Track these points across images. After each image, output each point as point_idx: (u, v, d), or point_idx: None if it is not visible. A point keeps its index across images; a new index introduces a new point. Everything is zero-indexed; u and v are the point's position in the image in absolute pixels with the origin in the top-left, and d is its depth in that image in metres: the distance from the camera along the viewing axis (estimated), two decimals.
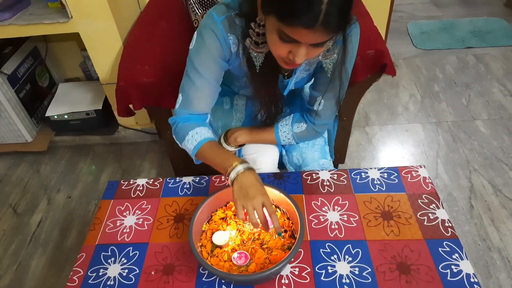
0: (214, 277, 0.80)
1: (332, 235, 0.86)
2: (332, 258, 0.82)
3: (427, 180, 0.97)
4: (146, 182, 1.04)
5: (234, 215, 0.89)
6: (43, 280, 1.46)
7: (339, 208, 0.92)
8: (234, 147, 1.09)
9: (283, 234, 0.81)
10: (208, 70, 0.88)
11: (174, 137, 0.95)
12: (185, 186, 1.01)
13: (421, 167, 1.01)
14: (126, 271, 0.83)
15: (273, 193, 0.88)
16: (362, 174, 1.00)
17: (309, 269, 0.80)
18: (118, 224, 0.94)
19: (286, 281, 0.78)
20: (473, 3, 3.08)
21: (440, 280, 0.76)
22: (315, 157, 1.10)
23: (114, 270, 0.84)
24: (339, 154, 1.61)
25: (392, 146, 1.89)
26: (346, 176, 1.00)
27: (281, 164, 1.17)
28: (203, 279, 0.80)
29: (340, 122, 1.41)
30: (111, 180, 1.06)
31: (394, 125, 2.01)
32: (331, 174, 1.01)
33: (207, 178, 1.03)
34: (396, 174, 0.99)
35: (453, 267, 0.78)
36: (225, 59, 0.89)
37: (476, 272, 1.34)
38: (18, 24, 1.50)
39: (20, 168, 1.95)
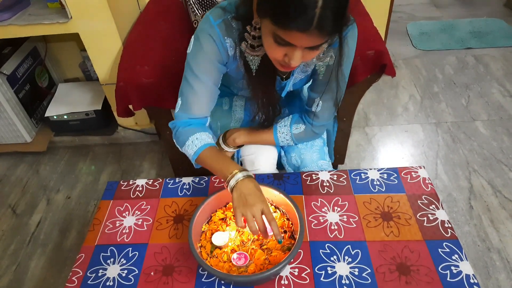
0: (213, 278, 0.80)
1: (331, 236, 0.86)
2: (332, 259, 0.82)
3: (427, 181, 0.97)
4: (146, 183, 1.04)
5: (234, 215, 0.88)
6: (43, 280, 1.46)
7: (338, 209, 0.92)
8: (233, 148, 1.09)
9: (283, 241, 0.81)
10: (206, 74, 0.88)
11: (174, 141, 0.95)
12: (184, 186, 1.01)
13: (420, 167, 1.01)
14: (126, 271, 0.83)
15: (273, 194, 0.88)
16: (362, 174, 1.00)
17: (309, 270, 0.80)
18: (117, 225, 0.93)
19: (286, 282, 0.78)
20: (473, 3, 3.09)
21: (440, 281, 0.76)
22: (313, 158, 1.10)
23: (113, 270, 0.84)
24: (338, 154, 1.60)
25: (392, 147, 1.89)
26: (345, 176, 1.00)
27: (279, 165, 1.17)
28: (203, 279, 0.80)
29: (340, 123, 1.41)
30: (111, 181, 1.06)
31: (393, 126, 2.01)
32: (330, 174, 1.01)
33: (206, 179, 1.03)
34: (395, 175, 0.99)
35: (452, 268, 0.78)
36: (223, 63, 0.89)
37: (476, 272, 1.34)
38: (17, 25, 1.50)
39: (19, 169, 1.94)
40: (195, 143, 0.90)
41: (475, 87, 2.21)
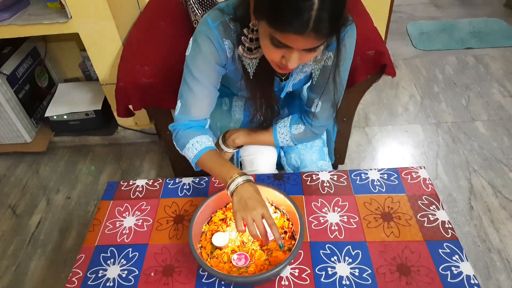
0: (213, 279, 0.80)
1: (332, 237, 0.86)
2: (332, 259, 0.81)
3: (427, 181, 0.97)
4: (146, 183, 1.03)
5: (234, 219, 0.88)
6: (42, 281, 1.46)
7: (339, 209, 0.92)
8: (232, 148, 1.08)
9: (284, 246, 0.81)
10: (205, 76, 0.88)
11: (174, 143, 0.95)
12: (184, 187, 1.01)
13: (421, 168, 1.01)
14: (126, 272, 0.83)
15: (273, 194, 0.88)
16: (362, 175, 1.00)
17: (309, 271, 0.80)
18: (117, 225, 0.93)
19: (286, 283, 0.78)
20: (473, 3, 3.09)
21: (441, 281, 0.76)
22: (313, 158, 1.10)
23: (113, 271, 0.83)
24: (338, 155, 1.60)
25: (392, 147, 1.89)
26: (346, 177, 1.00)
27: (279, 166, 1.17)
28: (203, 280, 0.80)
29: (340, 123, 1.41)
30: (111, 181, 1.06)
31: (393, 126, 2.01)
32: (331, 175, 1.00)
33: (206, 179, 1.02)
34: (396, 175, 0.99)
35: (453, 268, 0.78)
36: (222, 64, 0.89)
37: (476, 273, 1.34)
38: (17, 24, 1.50)
39: (19, 169, 1.94)
40: (196, 146, 0.90)
41: (475, 87, 2.21)
